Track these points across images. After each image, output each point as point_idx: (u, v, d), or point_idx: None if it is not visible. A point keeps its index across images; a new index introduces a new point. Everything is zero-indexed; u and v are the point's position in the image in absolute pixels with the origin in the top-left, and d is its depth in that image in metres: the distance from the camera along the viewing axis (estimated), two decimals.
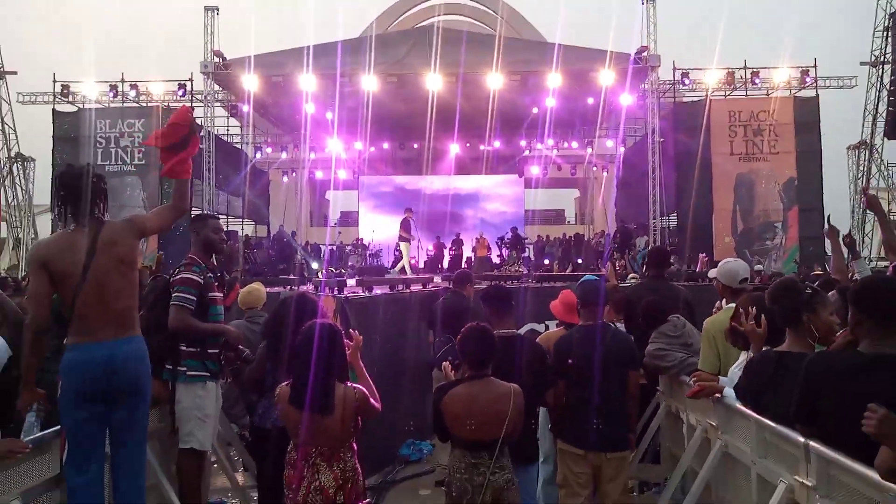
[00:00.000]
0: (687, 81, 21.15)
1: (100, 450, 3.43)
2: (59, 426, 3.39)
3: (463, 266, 19.29)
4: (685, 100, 22.07)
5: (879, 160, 24.56)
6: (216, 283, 4.51)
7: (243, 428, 6.08)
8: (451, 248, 22.27)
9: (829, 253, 5.44)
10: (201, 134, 20.22)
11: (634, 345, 4.69)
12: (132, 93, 21.68)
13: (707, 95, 21.00)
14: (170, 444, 4.39)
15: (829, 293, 3.63)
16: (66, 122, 20.98)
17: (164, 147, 3.77)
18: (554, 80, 19.03)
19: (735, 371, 3.80)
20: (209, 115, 21.00)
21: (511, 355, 4.08)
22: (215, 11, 20.40)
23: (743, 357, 3.84)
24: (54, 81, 21.75)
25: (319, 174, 30.03)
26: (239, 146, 24.68)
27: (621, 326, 5.41)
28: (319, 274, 17.56)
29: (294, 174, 29.24)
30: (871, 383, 2.55)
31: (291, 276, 14.76)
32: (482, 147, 26.46)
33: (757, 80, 20.92)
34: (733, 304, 4.23)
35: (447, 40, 18.78)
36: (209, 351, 4.36)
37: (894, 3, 22.79)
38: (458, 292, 7.21)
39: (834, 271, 5.19)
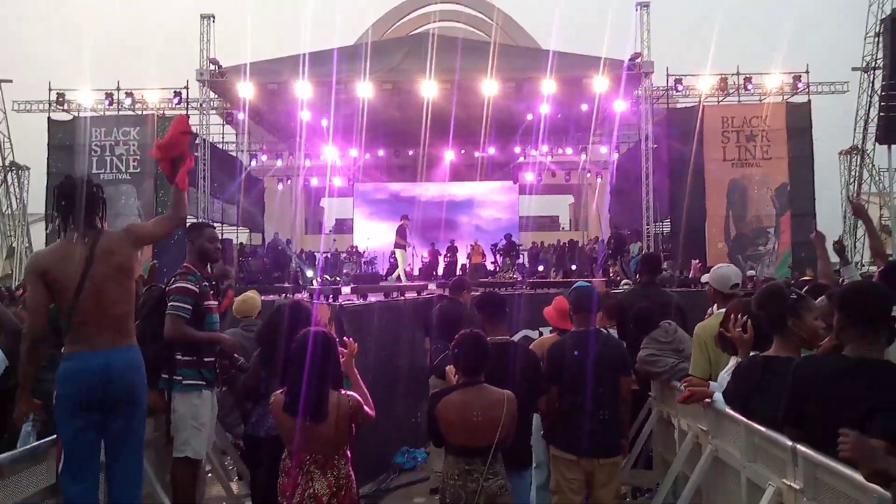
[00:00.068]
0: (680, 87, 21.26)
1: (95, 459, 3.45)
2: (55, 435, 3.41)
3: (458, 273, 19.36)
4: (678, 106, 22.17)
5: (871, 165, 24.68)
6: (211, 292, 4.53)
7: (238, 437, 6.09)
8: (445, 255, 22.32)
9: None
10: (196, 142, 20.29)
11: (626, 351, 4.73)
12: (128, 101, 21.69)
13: (700, 101, 21.11)
14: (165, 453, 4.41)
15: (819, 298, 3.67)
16: (61, 130, 20.97)
17: (172, 157, 3.83)
18: (548, 86, 19.10)
19: (724, 376, 3.84)
20: (204, 122, 21.02)
21: (504, 362, 4.11)
22: (211, 19, 20.44)
23: (732, 362, 3.89)
24: (49, 90, 21.77)
25: (314, 181, 30.04)
26: (234, 154, 24.70)
27: (614, 332, 5.45)
28: (314, 282, 17.57)
29: (289, 182, 29.25)
30: (855, 387, 2.60)
31: (286, 284, 14.77)
32: (477, 154, 26.50)
33: (749, 86, 21.06)
34: (724, 310, 4.27)
35: (442, 47, 18.87)
36: (205, 359, 4.37)
37: (885, 9, 22.93)
38: (455, 299, 7.23)
39: (821, 276, 5.24)
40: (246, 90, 19.60)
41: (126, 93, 21.65)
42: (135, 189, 20.25)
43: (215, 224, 19.06)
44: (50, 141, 20.81)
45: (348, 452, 3.49)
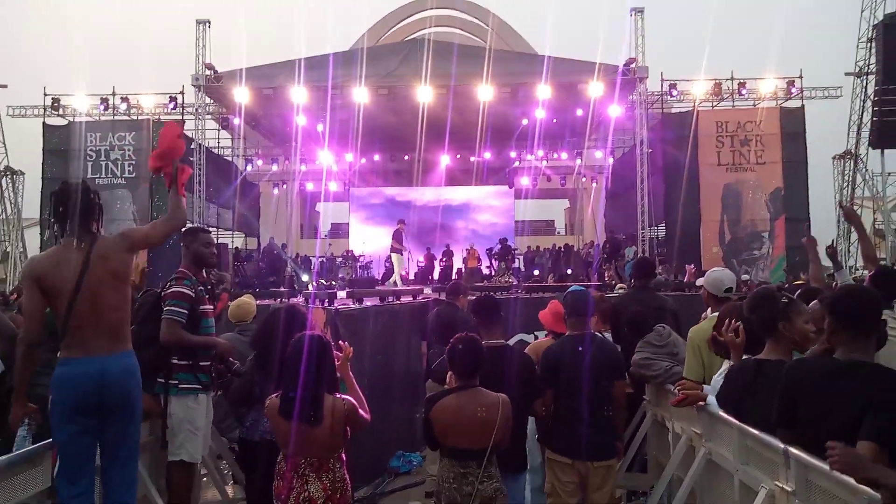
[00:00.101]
0: (675, 92, 21.32)
1: (91, 463, 3.45)
2: (50, 439, 3.42)
3: (453, 277, 19.37)
4: (673, 111, 22.26)
5: (865, 170, 24.74)
6: (207, 297, 4.54)
7: (233, 441, 6.09)
8: (441, 260, 22.33)
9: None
10: (192, 147, 20.30)
11: (621, 354, 4.75)
12: (123, 106, 21.65)
13: (694, 106, 21.19)
14: (160, 456, 4.42)
15: (812, 303, 3.70)
16: (56, 135, 20.96)
17: (173, 161, 3.87)
18: (543, 91, 19.16)
19: (717, 379, 3.86)
20: (200, 127, 21.02)
21: (499, 365, 4.14)
22: (207, 24, 20.44)
23: (725, 365, 3.91)
24: (45, 95, 21.74)
25: (310, 186, 30.06)
26: (230, 158, 24.69)
27: (608, 336, 5.48)
28: (309, 286, 17.56)
29: (285, 186, 29.25)
30: (845, 389, 2.63)
31: (282, 289, 14.76)
32: (472, 158, 26.56)
33: (744, 91, 21.14)
34: (717, 314, 4.30)
35: (438, 52, 18.91)
36: (201, 363, 4.39)
37: (878, 14, 23.05)
38: (452, 303, 7.26)
39: (812, 280, 5.28)
40: (242, 95, 19.61)
41: (121, 98, 21.62)
42: (130, 194, 20.24)
43: (211, 228, 19.07)
44: (45, 146, 20.80)
45: (343, 456, 3.50)
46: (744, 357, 3.67)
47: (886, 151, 23.98)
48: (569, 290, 4.89)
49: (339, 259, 23.92)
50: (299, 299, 10.09)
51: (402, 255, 17.40)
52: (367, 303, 8.46)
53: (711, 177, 20.02)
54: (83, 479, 3.38)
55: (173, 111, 21.62)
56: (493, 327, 4.49)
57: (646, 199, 19.71)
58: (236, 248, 24.00)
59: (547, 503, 4.48)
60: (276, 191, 28.97)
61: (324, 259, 24.14)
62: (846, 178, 24.98)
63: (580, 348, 4.42)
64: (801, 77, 20.93)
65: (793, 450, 2.79)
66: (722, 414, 3.61)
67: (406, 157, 27.24)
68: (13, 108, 23.88)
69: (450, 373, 4.02)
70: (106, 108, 21.56)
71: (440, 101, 19.68)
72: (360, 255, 23.80)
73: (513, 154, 27.46)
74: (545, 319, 5.54)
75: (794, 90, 20.88)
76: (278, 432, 3.45)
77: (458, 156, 27.03)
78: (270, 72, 19.86)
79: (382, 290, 10.72)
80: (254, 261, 22.37)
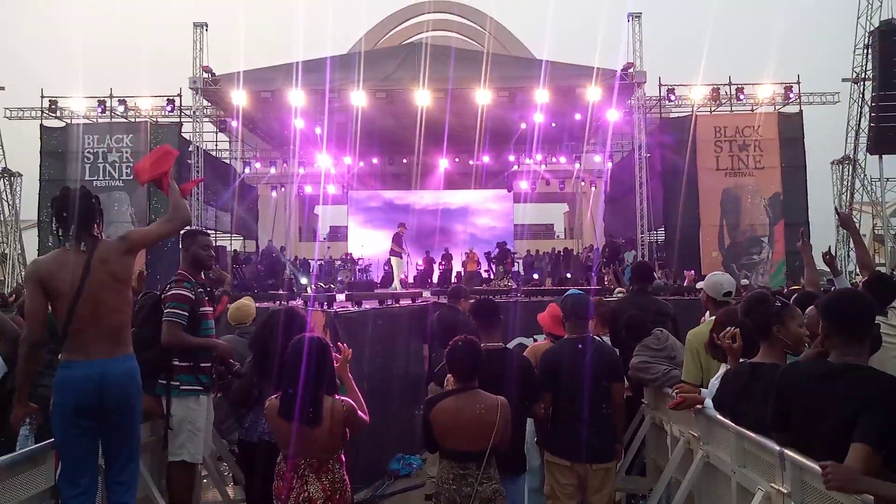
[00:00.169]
0: (673, 97, 21.43)
1: (93, 464, 3.48)
2: (52, 439, 3.44)
3: (453, 281, 19.40)
4: (671, 115, 22.33)
5: (863, 175, 24.83)
6: (206, 298, 4.57)
7: (233, 443, 6.10)
8: (440, 263, 22.35)
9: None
10: (190, 150, 20.32)
11: (619, 357, 4.77)
12: (120, 108, 21.69)
13: (693, 111, 21.27)
14: (161, 457, 4.44)
15: (809, 308, 3.72)
16: (53, 137, 20.98)
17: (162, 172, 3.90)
18: (541, 95, 19.21)
19: (715, 383, 3.89)
20: (198, 130, 21.04)
21: (498, 368, 4.16)
22: (204, 27, 20.48)
23: (723, 369, 3.94)
24: (42, 97, 21.78)
25: (308, 189, 30.08)
26: (228, 161, 24.71)
27: (607, 340, 5.50)
28: (308, 289, 17.55)
29: (283, 189, 29.28)
30: (839, 392, 2.66)
31: (280, 291, 14.76)
32: (471, 162, 26.63)
33: (742, 96, 21.25)
34: (714, 317, 4.33)
35: (435, 56, 18.97)
36: (202, 365, 4.41)
37: (874, 21, 23.16)
38: (453, 307, 7.30)
39: (808, 284, 5.31)
40: (239, 98, 19.65)
41: (119, 100, 21.67)
42: (128, 196, 20.27)
43: (209, 231, 19.07)
44: (42, 148, 20.82)
45: (342, 457, 3.52)
46: (740, 360, 3.70)
47: (885, 157, 24.09)
48: (567, 293, 4.90)
49: (338, 262, 23.93)
50: (298, 302, 10.10)
51: (401, 258, 17.40)
52: (366, 305, 8.48)
53: (710, 181, 20.09)
54: (84, 480, 3.40)
55: (171, 113, 21.66)
56: (492, 330, 4.52)
57: (645, 204, 19.76)
58: (235, 250, 24.00)
59: None
60: (274, 194, 28.99)
61: (322, 262, 24.14)
62: (845, 183, 25.08)
63: (579, 351, 4.44)
64: (798, 83, 21.05)
65: (788, 452, 2.82)
66: (719, 417, 3.63)
67: (405, 161, 27.28)
68: (11, 109, 23.92)
69: (448, 375, 4.04)
70: (103, 111, 21.62)
71: (438, 105, 19.73)
72: (358, 259, 23.80)
73: (511, 158, 27.52)
74: (544, 322, 5.57)
75: (791, 95, 20.98)
76: (278, 433, 3.47)
77: (457, 159, 27.07)
78: (268, 75, 19.90)
79: (381, 293, 10.74)
80: (252, 264, 22.37)
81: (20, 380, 3.49)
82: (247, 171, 25.85)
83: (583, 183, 29.61)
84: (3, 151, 26.38)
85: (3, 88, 25.97)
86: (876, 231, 26.34)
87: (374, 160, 27.67)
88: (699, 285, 6.52)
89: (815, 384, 2.75)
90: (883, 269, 22.95)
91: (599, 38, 22.25)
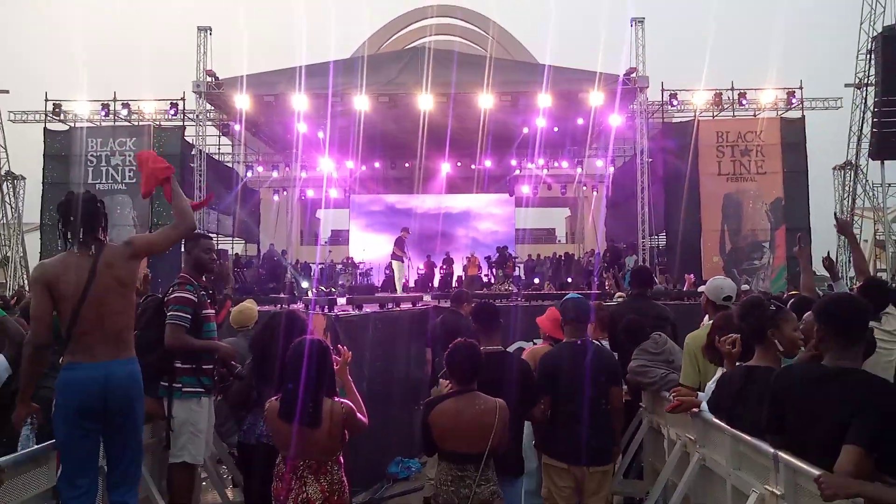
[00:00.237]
0: (675, 102, 21.42)
1: (94, 465, 3.52)
2: (54, 440, 3.47)
3: (454, 285, 19.42)
4: (674, 120, 22.34)
5: (865, 180, 24.83)
6: (209, 301, 4.60)
7: (232, 446, 6.12)
8: (441, 267, 22.38)
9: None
10: (193, 153, 20.38)
11: (617, 361, 4.80)
12: (124, 111, 21.76)
13: (695, 116, 21.27)
14: (162, 458, 4.47)
15: (807, 314, 3.75)
16: (57, 140, 21.03)
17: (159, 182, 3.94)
18: (544, 100, 19.25)
19: (711, 386, 3.91)
20: (201, 133, 21.11)
21: (497, 371, 4.18)
22: (208, 31, 20.56)
23: (719, 372, 3.96)
24: (46, 100, 21.84)
25: (310, 193, 30.12)
26: (230, 165, 24.76)
27: (606, 344, 5.52)
28: (309, 292, 17.59)
29: (285, 193, 29.32)
30: (833, 395, 2.69)
31: (282, 295, 14.80)
32: (473, 166, 26.64)
33: (744, 101, 21.25)
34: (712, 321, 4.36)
35: (438, 61, 19.02)
36: (204, 367, 4.45)
37: (877, 26, 23.19)
38: (456, 311, 7.34)
39: (804, 289, 5.33)
40: (242, 102, 19.71)
41: (122, 103, 21.74)
42: (130, 199, 20.30)
43: (211, 235, 19.10)
44: (46, 151, 20.87)
45: (341, 458, 3.55)
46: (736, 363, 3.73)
47: (887, 163, 24.09)
48: (566, 297, 4.93)
49: (339, 266, 23.96)
50: (299, 305, 10.13)
51: (403, 262, 17.44)
52: (367, 309, 8.50)
53: (712, 186, 20.08)
54: (84, 481, 3.44)
55: (174, 117, 21.71)
56: (492, 334, 4.54)
57: (646, 208, 19.79)
58: (236, 254, 24.05)
59: None
60: (276, 197, 29.03)
61: (324, 266, 24.18)
62: (846, 188, 25.06)
63: (578, 354, 4.47)
64: (801, 88, 21.05)
65: (782, 454, 2.84)
66: (715, 420, 3.66)
67: (407, 165, 27.31)
68: (15, 112, 24.00)
69: (442, 381, 4.07)
70: (107, 114, 21.67)
71: (441, 109, 19.77)
72: (360, 262, 23.84)
73: (513, 162, 27.54)
74: (543, 325, 5.59)
75: (794, 101, 20.98)
76: (278, 435, 3.50)
77: (459, 163, 27.10)
78: (271, 79, 19.97)
79: (382, 297, 10.75)
80: (254, 267, 22.43)
81: (24, 381, 3.53)
82: (249, 174, 25.91)
83: (584, 187, 29.62)
84: (7, 154, 26.47)
85: (7, 92, 26.08)
86: (878, 237, 26.31)
87: (377, 164, 27.71)
88: (701, 289, 6.54)
89: (810, 387, 2.79)
90: (884, 275, 22.98)
91: (602, 43, 22.24)
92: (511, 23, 44.39)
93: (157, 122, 21.86)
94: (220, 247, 20.79)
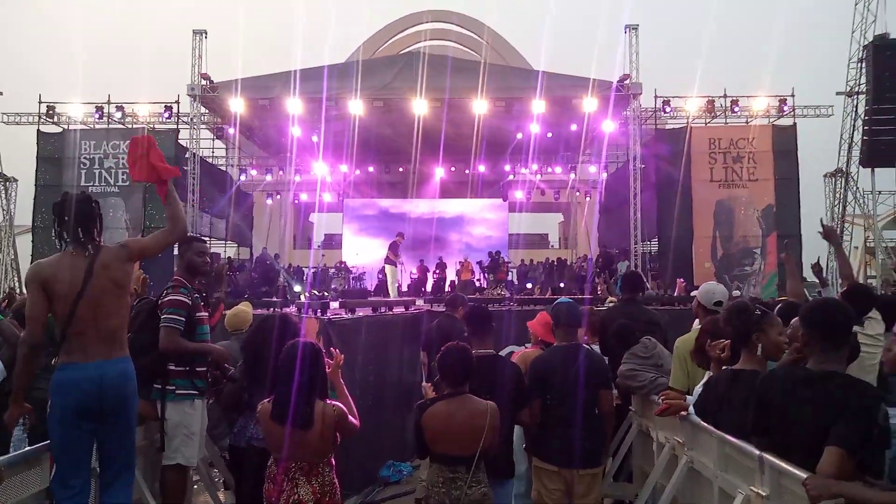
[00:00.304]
0: (668, 109, 21.50)
1: (87, 466, 3.53)
2: (47, 441, 3.48)
3: (446, 290, 19.46)
4: (666, 127, 22.43)
5: (855, 188, 25.01)
6: (202, 304, 4.62)
7: (224, 449, 6.13)
8: (434, 272, 22.42)
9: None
10: (186, 156, 20.35)
11: (607, 365, 4.84)
12: (118, 114, 21.73)
13: (688, 123, 21.38)
14: (155, 460, 4.48)
15: (794, 319, 3.80)
16: (50, 142, 20.94)
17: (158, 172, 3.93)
18: (538, 106, 19.29)
19: (698, 390, 3.96)
20: (195, 137, 21.08)
21: (489, 374, 4.23)
22: (203, 35, 20.54)
23: (707, 376, 4.01)
24: (39, 102, 21.79)
25: (304, 197, 30.08)
26: (224, 168, 24.73)
27: (596, 348, 5.56)
28: (302, 296, 17.59)
29: (279, 196, 29.27)
30: (816, 398, 2.74)
31: (274, 299, 14.80)
32: (467, 171, 26.69)
33: (736, 109, 21.33)
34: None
35: (433, 66, 19.04)
36: (197, 369, 4.48)
37: (868, 35, 23.38)
38: (451, 315, 7.37)
39: (791, 294, 5.39)
40: (237, 105, 19.69)
41: (116, 106, 21.67)
42: (123, 202, 20.20)
43: (204, 238, 19.06)
44: (39, 153, 20.75)
45: (332, 460, 3.58)
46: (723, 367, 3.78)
47: (877, 170, 24.26)
48: (557, 301, 4.97)
49: (332, 270, 23.95)
50: (292, 309, 10.14)
51: (396, 266, 17.45)
52: (360, 313, 8.53)
53: (704, 193, 20.16)
54: (77, 482, 3.45)
55: (168, 120, 21.68)
56: (485, 337, 4.59)
57: (639, 214, 19.85)
58: (229, 257, 23.97)
59: None
60: (269, 201, 28.97)
61: (316, 270, 24.16)
62: (837, 195, 25.22)
63: (569, 358, 4.51)
64: (793, 95, 21.17)
65: (767, 456, 2.89)
66: (703, 423, 3.70)
67: (401, 169, 27.33)
68: (8, 114, 23.91)
69: (425, 384, 4.11)
70: (100, 117, 21.60)
71: (435, 114, 19.80)
72: (353, 267, 23.83)
73: (507, 167, 27.59)
74: (535, 329, 5.63)
75: (785, 108, 21.09)
76: (270, 436, 3.52)
77: (453, 168, 27.14)
78: (266, 83, 19.95)
79: (375, 301, 10.78)
80: (246, 271, 22.37)
81: (18, 380, 3.55)
82: (243, 178, 25.86)
83: (578, 193, 29.69)
84: None
85: (1, 93, 26.00)
86: (868, 244, 26.47)
87: (371, 168, 27.72)
88: (694, 293, 6.60)
89: (794, 390, 2.84)
90: (874, 282, 23.11)
91: (596, 50, 22.36)
92: (506, 29, 44.54)
93: (152, 125, 21.82)
94: (212, 250, 20.76)
